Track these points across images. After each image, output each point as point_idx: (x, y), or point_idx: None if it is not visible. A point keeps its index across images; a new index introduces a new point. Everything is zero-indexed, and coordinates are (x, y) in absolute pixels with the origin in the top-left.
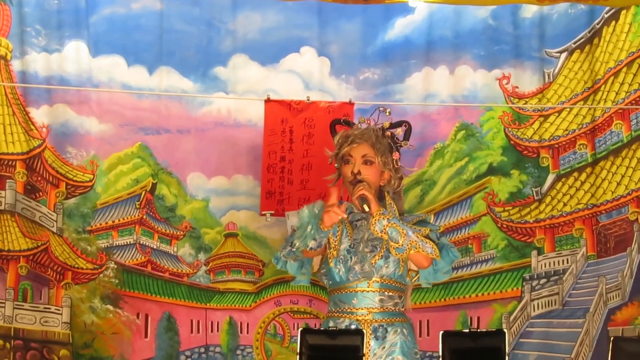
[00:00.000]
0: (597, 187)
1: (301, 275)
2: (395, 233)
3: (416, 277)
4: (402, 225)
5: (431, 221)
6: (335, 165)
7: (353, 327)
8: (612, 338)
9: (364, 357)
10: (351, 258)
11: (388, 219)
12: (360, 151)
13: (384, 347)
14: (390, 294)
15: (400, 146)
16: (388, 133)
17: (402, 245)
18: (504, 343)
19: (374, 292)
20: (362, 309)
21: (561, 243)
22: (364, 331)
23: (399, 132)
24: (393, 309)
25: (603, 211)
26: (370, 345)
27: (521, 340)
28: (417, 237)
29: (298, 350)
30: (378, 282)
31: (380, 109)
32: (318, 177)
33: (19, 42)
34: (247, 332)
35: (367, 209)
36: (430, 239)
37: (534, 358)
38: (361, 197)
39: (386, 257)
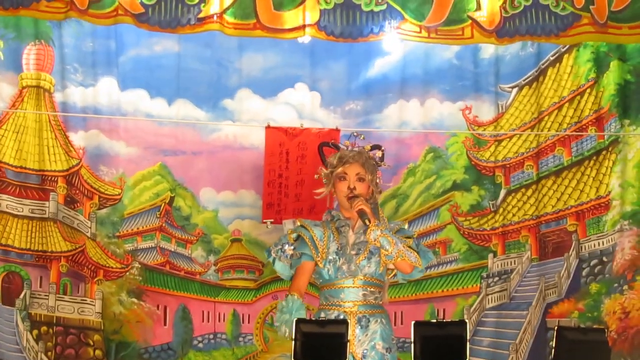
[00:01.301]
0: (540, 201)
1: (286, 273)
2: (386, 242)
3: (393, 274)
4: (392, 237)
5: (406, 227)
6: (324, 181)
7: (341, 317)
8: (556, 327)
9: (348, 343)
10: (339, 259)
11: (381, 230)
12: (354, 170)
13: (366, 334)
14: (372, 289)
15: (380, 166)
16: (371, 154)
17: (391, 253)
18: (465, 331)
19: (358, 288)
20: (348, 302)
21: (510, 247)
22: (349, 321)
23: (379, 154)
24: (374, 302)
25: (544, 222)
26: (356, 333)
27: (478, 328)
28: (404, 247)
29: (293, 337)
30: (362, 279)
31: (355, 134)
32: (309, 191)
33: (61, 78)
34: (249, 322)
35: (367, 222)
36: (413, 249)
37: (487, 343)
38: (361, 211)
39: (369, 258)
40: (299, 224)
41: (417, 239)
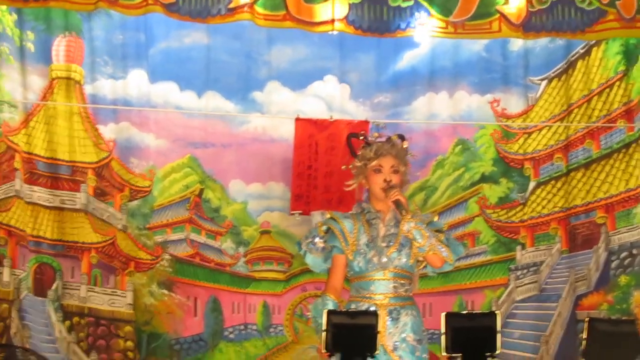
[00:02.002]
0: (569, 193)
1: (317, 267)
2: (419, 235)
3: (423, 265)
4: (426, 230)
5: (436, 220)
6: (354, 172)
7: (372, 309)
8: (587, 319)
9: (378, 334)
10: (370, 251)
11: (415, 222)
12: (389, 162)
13: (397, 326)
14: (402, 281)
15: (410, 157)
16: (402, 145)
17: (423, 246)
18: (496, 323)
19: (388, 280)
20: (379, 294)
21: (540, 240)
22: (380, 312)
23: (405, 144)
24: (404, 294)
25: (574, 214)
26: (387, 325)
27: (507, 320)
28: (436, 241)
29: (324, 328)
30: (392, 271)
31: (376, 123)
32: (338, 182)
33: (91, 70)
34: (279, 313)
35: (404, 212)
36: (444, 243)
37: (518, 335)
38: (398, 201)
39: (399, 250)
40: (328, 216)
41: (447, 231)
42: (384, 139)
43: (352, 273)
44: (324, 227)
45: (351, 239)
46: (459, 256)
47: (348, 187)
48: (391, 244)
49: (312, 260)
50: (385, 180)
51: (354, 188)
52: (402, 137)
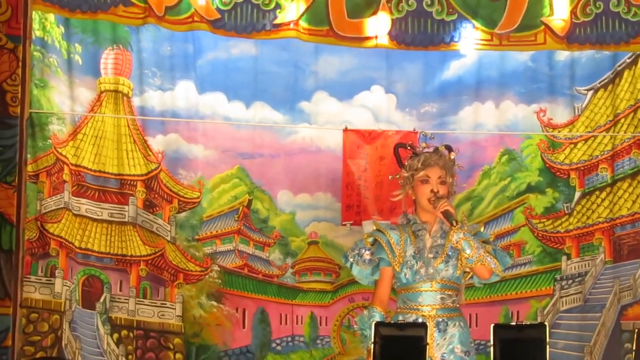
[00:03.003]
0: (615, 204)
1: (364, 279)
2: (468, 246)
3: (469, 276)
4: (474, 241)
5: (482, 230)
6: (400, 182)
7: (419, 321)
8: (637, 329)
9: (427, 346)
10: (417, 263)
11: (464, 232)
12: (436, 173)
13: (445, 338)
14: (449, 292)
15: (457, 168)
16: (450, 156)
17: (471, 257)
18: (545, 334)
19: (435, 291)
20: (426, 305)
21: (584, 250)
22: (428, 324)
23: (452, 155)
24: (451, 305)
25: (619, 224)
26: (434, 336)
27: (552, 330)
28: (484, 252)
29: (372, 340)
30: (439, 283)
31: (424, 133)
32: (388, 192)
33: (139, 82)
34: (326, 324)
35: (454, 223)
36: (492, 255)
37: (562, 346)
38: (447, 212)
39: (446, 261)
40: (374, 227)
41: (494, 242)
42: (431, 150)
43: (399, 285)
44: (370, 239)
45: (398, 250)
46: (506, 267)
47: (395, 198)
48: (438, 255)
49: (359, 272)
50: (432, 191)
51: (401, 199)
52: (449, 148)
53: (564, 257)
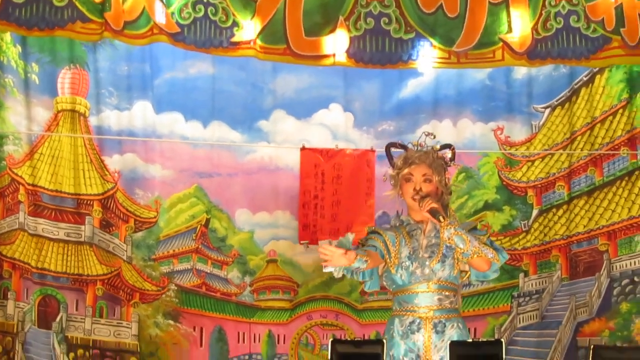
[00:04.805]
0: (571, 221)
1: (370, 280)
2: (461, 241)
3: (467, 276)
4: (466, 234)
5: (478, 227)
6: (391, 182)
7: (416, 323)
8: (592, 346)
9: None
10: (412, 264)
11: (455, 227)
12: (421, 171)
13: (442, 340)
14: (447, 293)
15: (449, 166)
16: (440, 154)
17: (467, 251)
18: (501, 351)
19: (432, 292)
20: (423, 307)
21: (541, 267)
22: (425, 326)
23: (448, 153)
24: (449, 306)
25: (575, 241)
26: (432, 339)
27: (509, 347)
28: (479, 244)
29: (329, 357)
30: (436, 283)
31: (425, 133)
32: (345, 211)
33: (96, 102)
34: (284, 342)
35: (441, 219)
36: (487, 245)
37: None
38: (433, 210)
39: (442, 261)
40: (368, 230)
41: (489, 239)
42: (424, 149)
43: (394, 287)
44: (366, 238)
45: (393, 251)
46: (505, 260)
47: (389, 198)
48: (434, 255)
49: (361, 275)
50: (414, 190)
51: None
52: (447, 146)
53: (522, 275)
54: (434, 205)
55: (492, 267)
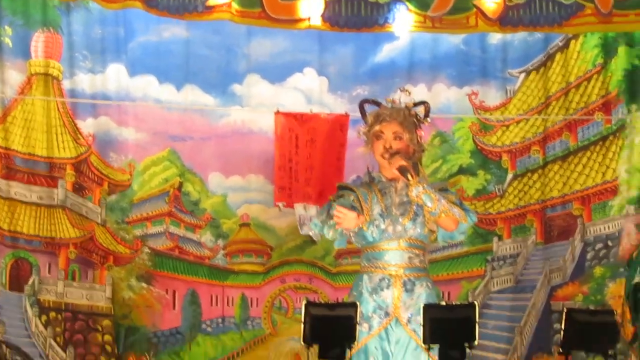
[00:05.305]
0: (546, 185)
1: (340, 238)
2: (429, 199)
3: (434, 237)
4: (435, 192)
5: (448, 187)
6: (364, 139)
7: (385, 280)
8: (565, 309)
9: (357, 326)
10: (384, 221)
11: (423, 186)
12: (391, 128)
13: (412, 298)
14: (416, 251)
15: (422, 123)
16: (413, 112)
17: (434, 209)
18: (474, 314)
19: (402, 250)
20: (393, 265)
21: (516, 231)
22: (395, 284)
23: (421, 110)
24: (419, 264)
25: (550, 206)
26: (402, 297)
27: (483, 311)
28: (447, 203)
29: (302, 320)
30: (406, 241)
31: (401, 89)
32: (319, 175)
33: (69, 65)
34: (257, 306)
35: (410, 177)
36: (456, 205)
37: (492, 326)
38: (402, 167)
39: (414, 219)
40: (341, 186)
41: (459, 199)
42: (396, 106)
43: (364, 242)
44: (338, 195)
45: (365, 208)
46: (473, 222)
47: (361, 155)
48: (406, 212)
49: (329, 233)
50: (384, 147)
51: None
52: (421, 103)
53: (496, 239)
54: (403, 162)
55: (460, 228)
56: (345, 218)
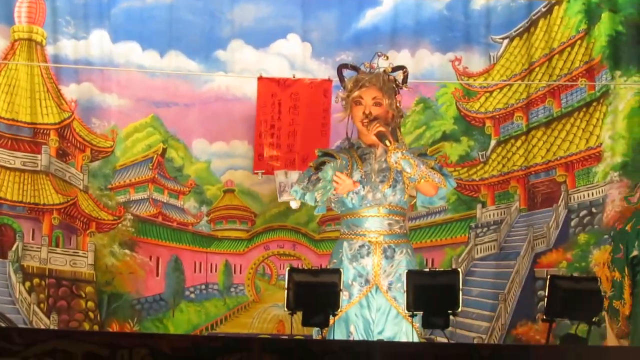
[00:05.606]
0: (529, 152)
1: (322, 205)
2: (408, 165)
3: (413, 202)
4: (414, 158)
5: (427, 152)
6: (342, 104)
7: (365, 247)
8: (549, 276)
9: (340, 292)
10: (364, 187)
11: (402, 152)
12: (371, 94)
13: (392, 265)
14: (397, 218)
15: (401, 89)
16: (392, 77)
17: (414, 175)
18: (458, 280)
19: (382, 217)
20: (373, 231)
21: (500, 198)
22: (374, 251)
23: (400, 76)
24: (399, 231)
25: (533, 172)
26: (382, 264)
27: (466, 278)
28: (426, 168)
29: (286, 286)
30: (386, 208)
31: (379, 53)
32: (302, 141)
33: (52, 31)
34: (240, 272)
35: (388, 143)
36: (436, 170)
37: (476, 293)
38: (380, 133)
39: (394, 186)
40: (320, 153)
41: (438, 165)
42: (375, 71)
43: (343, 209)
44: (317, 162)
45: (345, 174)
46: (452, 187)
47: (340, 120)
48: (386, 179)
49: (311, 199)
50: (364, 113)
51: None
52: (399, 68)
53: (479, 205)
54: (382, 128)
55: (439, 193)
56: (344, 183)
